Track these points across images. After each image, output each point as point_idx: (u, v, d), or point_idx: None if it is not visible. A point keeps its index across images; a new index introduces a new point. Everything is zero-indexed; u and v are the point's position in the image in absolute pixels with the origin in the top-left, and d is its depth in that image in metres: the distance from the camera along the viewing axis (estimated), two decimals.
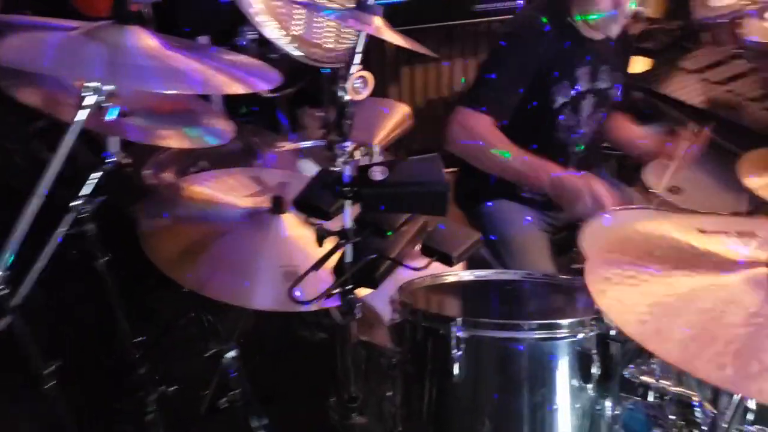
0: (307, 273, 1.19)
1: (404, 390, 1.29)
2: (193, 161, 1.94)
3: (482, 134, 1.84)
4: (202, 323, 1.84)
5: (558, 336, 1.15)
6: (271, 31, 2.15)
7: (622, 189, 2.26)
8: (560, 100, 2.01)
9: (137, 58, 1.10)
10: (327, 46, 2.32)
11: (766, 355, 0.86)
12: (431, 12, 2.79)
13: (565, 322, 1.16)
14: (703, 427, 1.16)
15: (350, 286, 1.26)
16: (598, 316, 1.16)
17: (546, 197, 2.04)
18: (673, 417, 1.19)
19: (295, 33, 2.22)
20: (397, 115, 1.20)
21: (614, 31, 1.96)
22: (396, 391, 1.31)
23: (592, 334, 1.15)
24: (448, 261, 1.21)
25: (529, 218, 2.05)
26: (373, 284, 1.27)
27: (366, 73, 1.06)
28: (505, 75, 1.93)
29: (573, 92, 2.01)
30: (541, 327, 1.15)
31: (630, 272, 1.03)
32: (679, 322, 0.92)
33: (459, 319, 1.16)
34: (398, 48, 2.91)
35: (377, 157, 1.33)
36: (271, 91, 2.53)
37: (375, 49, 2.81)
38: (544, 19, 1.94)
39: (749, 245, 1.06)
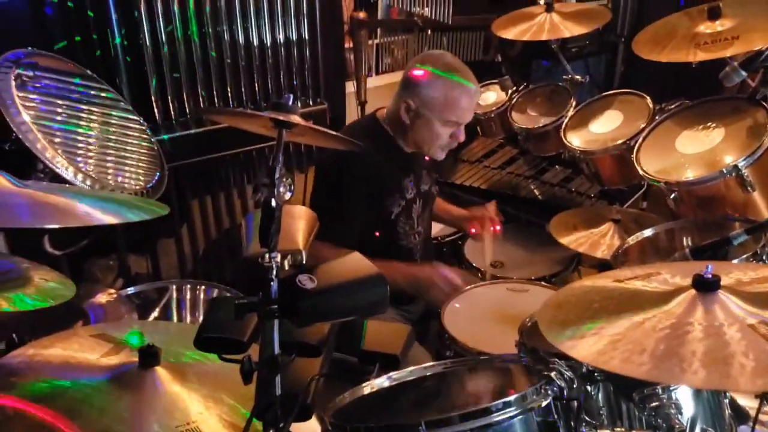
0: (252, 417, 1.00)
1: None
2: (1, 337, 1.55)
3: None
4: None
5: (523, 410, 1.12)
6: (66, 172, 1.90)
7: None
8: (396, 210, 2.11)
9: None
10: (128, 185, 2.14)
11: (733, 351, 0.95)
12: (230, 140, 2.76)
13: (525, 393, 1.13)
14: None
15: (282, 425, 1.09)
16: (548, 379, 1.16)
17: (398, 293, 2.08)
18: None
19: (88, 173, 2.00)
20: (306, 216, 1.11)
21: (442, 155, 2.11)
22: None
23: (549, 399, 1.15)
24: (393, 363, 1.12)
25: (390, 316, 2.04)
26: (307, 415, 1.12)
27: (289, 175, 0.97)
28: (350, 206, 1.99)
29: (403, 201, 2.12)
30: (507, 405, 1.11)
31: (586, 325, 1.08)
32: (653, 348, 0.97)
33: (423, 423, 1.07)
34: (192, 179, 2.84)
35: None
36: (58, 248, 2.24)
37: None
38: (371, 144, 2.00)
39: (661, 280, 1.17)
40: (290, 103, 0.96)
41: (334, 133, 1.13)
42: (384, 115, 2.14)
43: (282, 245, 1.02)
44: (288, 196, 0.99)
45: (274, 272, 0.99)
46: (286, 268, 1.01)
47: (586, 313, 1.10)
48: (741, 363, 0.92)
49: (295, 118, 0.95)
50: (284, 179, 0.96)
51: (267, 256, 0.98)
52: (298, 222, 1.10)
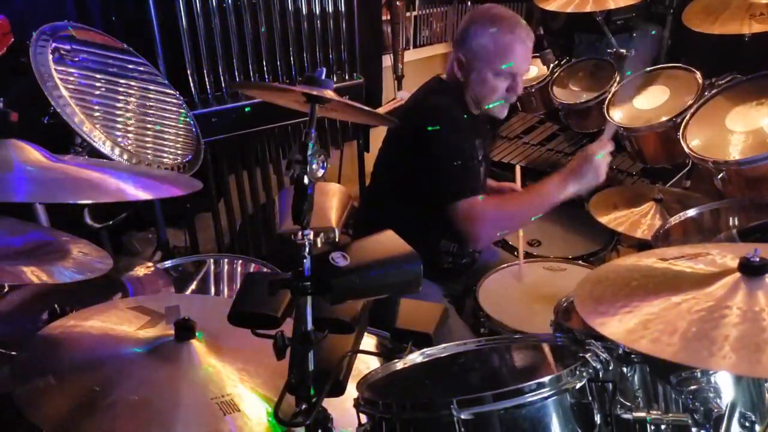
0: (285, 390, 1.00)
1: None
2: (42, 306, 1.59)
3: (493, 212, 1.89)
4: None
5: (557, 391, 1.10)
6: (103, 146, 1.92)
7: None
8: (482, 171, 2.09)
9: (29, 173, 0.88)
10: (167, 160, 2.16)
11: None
12: (266, 114, 2.76)
13: (560, 374, 1.11)
14: None
15: (315, 399, 1.09)
16: (584, 361, 1.14)
17: (443, 268, 2.08)
18: None
19: (126, 147, 2.03)
20: (339, 194, 1.10)
21: (504, 113, 2.06)
22: None
23: (584, 380, 1.12)
24: (426, 341, 1.11)
25: (431, 292, 2.02)
26: (340, 390, 1.12)
27: (323, 151, 0.96)
28: (465, 157, 1.95)
29: (481, 167, 2.09)
30: (541, 386, 1.09)
31: (619, 304, 1.05)
32: (685, 330, 0.95)
33: (455, 401, 1.06)
34: (229, 154, 2.86)
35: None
36: (98, 221, 2.29)
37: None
38: (457, 107, 2.01)
39: (708, 261, 1.13)
40: (323, 77, 0.94)
41: (367, 108, 1.11)
42: (447, 79, 2.08)
43: (315, 223, 1.01)
44: (321, 173, 0.97)
45: (307, 249, 0.98)
46: (319, 245, 1.01)
47: (623, 290, 1.07)
48: None
49: (328, 93, 0.94)
50: (317, 156, 0.95)
51: (300, 233, 0.98)
52: (332, 199, 1.09)
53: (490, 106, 2.01)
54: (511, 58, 1.93)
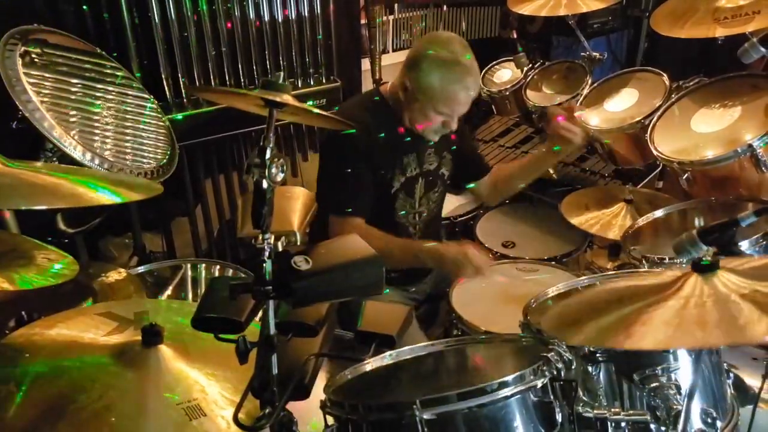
0: (246, 394, 1.01)
1: None
2: (10, 314, 1.58)
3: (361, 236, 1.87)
4: None
5: (519, 390, 1.11)
6: (74, 151, 1.91)
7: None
8: (395, 186, 2.07)
9: None
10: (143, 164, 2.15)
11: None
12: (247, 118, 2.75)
13: (522, 373, 1.12)
14: None
15: (279, 402, 1.10)
16: (546, 360, 1.15)
17: (403, 273, 2.07)
18: None
19: (99, 154, 2.01)
20: (303, 197, 1.11)
21: (435, 138, 2.05)
22: None
23: (546, 379, 1.14)
24: (390, 343, 1.12)
25: (391, 296, 2.03)
26: (305, 394, 1.13)
27: (282, 155, 0.97)
28: (352, 175, 1.96)
29: (404, 178, 2.08)
30: (503, 385, 1.10)
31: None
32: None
33: (418, 401, 1.07)
34: (205, 158, 2.85)
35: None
36: (72, 227, 2.27)
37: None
38: (369, 118, 2.00)
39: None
40: (281, 81, 0.95)
41: (326, 113, 1.11)
42: (388, 90, 2.09)
43: (276, 226, 1.02)
44: (281, 177, 0.98)
45: (267, 253, 0.99)
46: (280, 249, 1.01)
47: (589, 315, 1.09)
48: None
49: (286, 97, 0.94)
50: (276, 159, 0.95)
51: (260, 237, 0.98)
52: (295, 203, 1.10)
53: (422, 132, 2.02)
54: (453, 105, 1.94)
